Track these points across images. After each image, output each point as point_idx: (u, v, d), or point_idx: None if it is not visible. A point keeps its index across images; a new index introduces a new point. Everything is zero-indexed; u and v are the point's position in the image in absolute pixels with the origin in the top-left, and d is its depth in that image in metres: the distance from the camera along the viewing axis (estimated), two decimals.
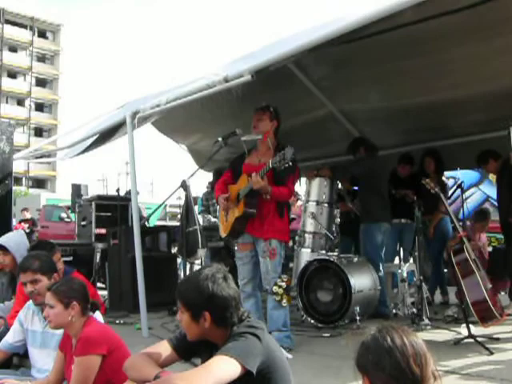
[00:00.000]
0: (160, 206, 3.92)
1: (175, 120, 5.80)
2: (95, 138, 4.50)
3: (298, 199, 9.29)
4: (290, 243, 5.71)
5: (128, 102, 5.22)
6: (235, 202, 3.78)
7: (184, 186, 3.36)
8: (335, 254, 4.92)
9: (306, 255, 4.95)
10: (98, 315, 2.30)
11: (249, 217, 3.69)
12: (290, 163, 3.32)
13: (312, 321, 4.46)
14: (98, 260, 6.20)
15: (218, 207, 6.99)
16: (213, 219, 7.01)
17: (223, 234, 3.92)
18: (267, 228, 3.74)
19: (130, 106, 4.64)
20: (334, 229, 5.05)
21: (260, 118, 3.83)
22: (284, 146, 3.79)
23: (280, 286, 3.66)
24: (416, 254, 4.56)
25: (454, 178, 7.33)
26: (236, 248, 3.98)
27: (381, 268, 4.87)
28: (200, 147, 6.75)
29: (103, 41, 45.18)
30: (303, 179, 5.41)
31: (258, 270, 3.79)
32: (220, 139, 3.72)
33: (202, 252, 3.73)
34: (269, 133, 3.81)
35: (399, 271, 4.98)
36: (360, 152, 5.19)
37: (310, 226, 5.04)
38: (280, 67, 3.38)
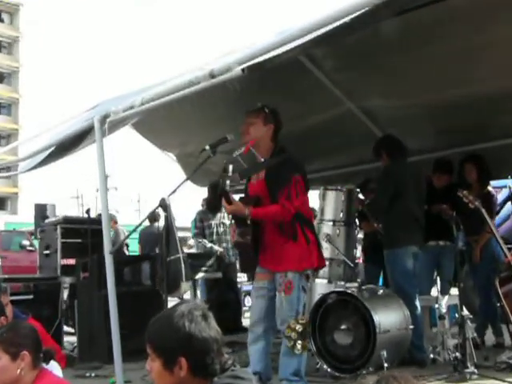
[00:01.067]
0: (135, 229, 4.02)
1: (158, 124, 5.96)
2: (53, 148, 4.64)
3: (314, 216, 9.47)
4: None
5: (100, 102, 5.39)
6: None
7: (163, 205, 3.47)
8: (356, 284, 4.98)
9: (320, 287, 5.07)
10: (53, 366, 2.34)
11: (243, 247, 3.82)
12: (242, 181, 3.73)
13: (328, 368, 4.51)
14: (65, 298, 6.31)
15: (215, 229, 7.18)
16: (209, 244, 7.14)
17: None
18: (280, 258, 3.88)
19: (100, 108, 4.80)
20: (354, 254, 5.18)
21: (251, 121, 4.00)
22: (283, 149, 3.96)
23: (293, 329, 3.73)
24: (459, 283, 4.64)
25: (504, 187, 7.40)
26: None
27: (414, 302, 4.92)
28: (190, 156, 6.88)
29: (76, 25, 45.74)
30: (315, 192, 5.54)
31: (274, 307, 3.89)
32: (207, 147, 3.84)
33: (186, 286, 3.84)
34: (260, 139, 3.97)
35: (437, 306, 5.02)
36: (382, 158, 5.29)
37: (324, 251, 5.05)
38: (288, 59, 3.50)
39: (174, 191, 3.64)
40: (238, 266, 7.63)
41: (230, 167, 3.66)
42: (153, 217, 8.27)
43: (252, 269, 4.14)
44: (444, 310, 4.94)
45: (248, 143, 3.96)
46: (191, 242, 7.42)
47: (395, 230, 5.09)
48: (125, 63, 45.08)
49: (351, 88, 5.35)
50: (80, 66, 44.72)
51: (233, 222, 4.02)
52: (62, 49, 45.16)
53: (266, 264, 3.96)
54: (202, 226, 7.26)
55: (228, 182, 3.71)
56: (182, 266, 3.83)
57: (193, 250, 8.74)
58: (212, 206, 7.42)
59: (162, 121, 5.80)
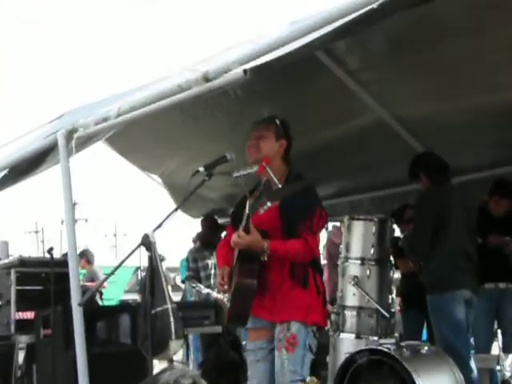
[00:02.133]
0: (112, 272, 3.98)
1: (139, 139, 6.03)
2: (6, 171, 4.66)
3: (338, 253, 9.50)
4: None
5: (66, 112, 5.42)
6: (234, 271, 3.98)
7: (146, 243, 3.45)
8: (393, 340, 4.90)
9: (347, 344, 5.04)
10: None
11: (249, 291, 3.84)
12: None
13: None
14: (20, 362, 6.26)
15: (212, 271, 7.19)
16: (205, 290, 7.13)
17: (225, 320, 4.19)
18: (282, 305, 3.91)
19: (65, 119, 4.83)
20: (389, 301, 5.14)
21: (261, 134, 4.04)
22: (299, 176, 4.01)
23: None
24: None
25: None
26: (245, 336, 4.22)
27: (468, 362, 4.89)
28: (180, 179, 6.92)
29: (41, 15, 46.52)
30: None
31: None
32: (201, 169, 3.84)
33: (176, 345, 3.80)
34: (272, 158, 4.00)
35: (499, 367, 4.93)
36: (420, 181, 5.32)
37: (351, 297, 5.14)
38: (302, 57, 3.51)
39: (161, 225, 3.63)
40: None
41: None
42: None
43: (241, 320, 4.12)
44: (509, 374, 4.85)
45: (261, 161, 3.95)
46: (178, 280, 7.43)
47: (441, 269, 5.08)
48: (125, 66, 46.11)
49: (383, 91, 5.34)
50: (50, 67, 45.50)
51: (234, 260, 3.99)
52: (27, 44, 45.92)
53: (263, 312, 3.97)
54: (196, 268, 7.32)
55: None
56: (171, 319, 3.78)
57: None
58: (207, 241, 7.44)
59: (144, 135, 5.87)
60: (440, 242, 5.09)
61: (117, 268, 3.96)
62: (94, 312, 6.38)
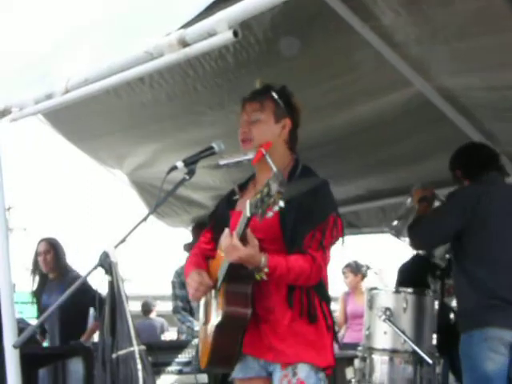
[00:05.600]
0: (59, 302, 3.93)
1: (94, 122, 6.05)
2: None
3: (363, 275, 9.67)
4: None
5: None
6: (215, 296, 3.97)
7: (106, 263, 3.42)
8: None
9: None
10: None
11: (240, 324, 3.80)
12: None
13: None
14: None
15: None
16: (198, 326, 7.07)
17: (202, 364, 4.07)
18: (285, 342, 3.85)
19: None
20: (433, 342, 5.22)
21: (254, 118, 4.00)
22: (307, 169, 4.00)
23: None
24: None
25: None
26: None
27: None
28: (151, 175, 7.04)
29: None
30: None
31: None
32: (179, 164, 3.83)
33: None
34: (273, 144, 3.96)
35: None
36: (458, 180, 5.46)
37: (382, 337, 5.19)
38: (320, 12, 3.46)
39: (124, 240, 3.61)
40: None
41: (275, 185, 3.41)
42: (147, 307, 8.17)
43: (226, 364, 4.06)
44: None
45: (259, 148, 3.90)
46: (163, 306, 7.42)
47: (469, 297, 5.10)
48: None
49: (424, 57, 5.27)
50: None
51: (220, 277, 3.91)
52: None
53: (259, 350, 3.92)
54: (186, 295, 7.04)
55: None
56: (139, 366, 3.75)
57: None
58: None
59: (101, 118, 5.92)
60: (470, 256, 5.12)
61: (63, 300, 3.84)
62: (34, 356, 6.42)
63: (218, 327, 3.79)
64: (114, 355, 3.68)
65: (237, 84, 5.21)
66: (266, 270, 3.67)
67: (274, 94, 4.03)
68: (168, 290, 7.99)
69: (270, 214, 3.39)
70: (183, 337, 7.76)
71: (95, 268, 3.54)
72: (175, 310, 7.61)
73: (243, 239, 3.65)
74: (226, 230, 3.76)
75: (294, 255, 3.80)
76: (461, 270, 5.20)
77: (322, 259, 3.87)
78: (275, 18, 4.51)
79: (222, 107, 5.61)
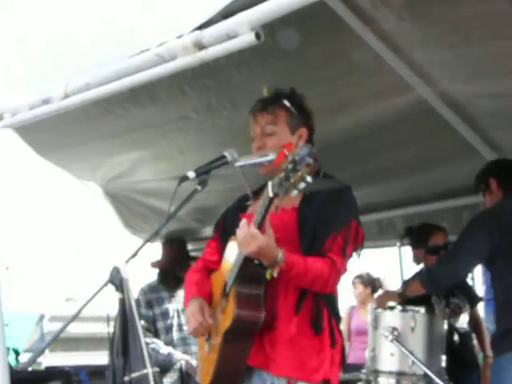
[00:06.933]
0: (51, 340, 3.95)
1: (68, 131, 5.99)
2: None
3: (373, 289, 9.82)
4: None
5: None
6: (221, 305, 3.97)
7: (116, 279, 3.48)
8: None
9: None
10: None
11: (252, 330, 3.79)
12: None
13: None
14: None
15: (175, 320, 7.31)
16: (164, 349, 7.17)
17: None
18: (286, 353, 3.85)
19: None
20: (443, 363, 5.31)
21: (268, 130, 4.11)
22: (328, 176, 4.08)
23: None
24: None
25: None
26: None
27: None
28: (128, 186, 7.09)
29: None
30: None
31: None
32: (192, 174, 3.90)
33: None
34: (290, 147, 3.81)
35: None
36: (488, 189, 5.57)
37: (388, 359, 5.28)
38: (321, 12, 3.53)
39: (136, 254, 3.69)
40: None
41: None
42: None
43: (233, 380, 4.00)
44: None
45: (281, 149, 3.64)
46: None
47: (499, 320, 5.30)
48: None
49: (425, 59, 5.31)
50: None
51: (230, 280, 3.89)
52: None
53: (256, 357, 3.90)
54: (151, 316, 7.27)
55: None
56: None
57: None
58: (169, 276, 7.40)
59: (75, 125, 5.83)
60: (500, 279, 5.29)
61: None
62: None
63: (227, 333, 3.76)
64: (126, 378, 3.64)
65: (227, 85, 5.28)
66: (282, 264, 3.63)
67: (286, 103, 4.09)
68: None
69: (294, 193, 3.32)
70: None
71: (106, 285, 3.57)
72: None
73: (261, 229, 3.60)
74: (244, 220, 3.67)
75: (313, 257, 3.79)
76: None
77: (342, 263, 3.88)
78: None
79: (210, 111, 5.64)
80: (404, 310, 5.32)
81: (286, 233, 3.85)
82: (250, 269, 3.73)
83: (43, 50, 4.43)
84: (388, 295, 5.94)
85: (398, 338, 5.19)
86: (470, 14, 4.55)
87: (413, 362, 5.15)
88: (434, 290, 5.86)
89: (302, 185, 3.27)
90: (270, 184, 3.43)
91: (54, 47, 4.38)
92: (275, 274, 3.63)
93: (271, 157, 3.82)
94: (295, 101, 4.14)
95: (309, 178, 3.25)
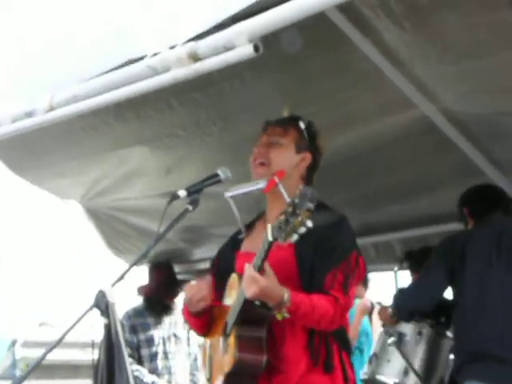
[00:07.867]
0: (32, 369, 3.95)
1: (47, 148, 6.15)
2: None
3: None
4: None
5: None
6: (223, 344, 4.03)
7: (101, 303, 3.49)
8: None
9: None
10: None
11: (254, 372, 3.82)
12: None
13: None
14: None
15: (161, 347, 7.36)
16: (148, 377, 7.26)
17: None
18: None
19: None
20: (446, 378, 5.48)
21: (275, 141, 4.18)
22: (323, 205, 4.06)
23: None
24: None
25: None
26: None
27: None
28: (111, 204, 7.20)
29: None
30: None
31: None
32: (183, 193, 3.98)
33: None
34: (288, 175, 4.08)
35: None
36: (465, 221, 5.83)
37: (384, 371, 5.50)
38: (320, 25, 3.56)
39: (122, 277, 3.72)
40: None
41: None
42: None
43: None
44: None
45: (272, 177, 4.00)
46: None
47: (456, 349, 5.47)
48: None
49: (427, 75, 5.38)
50: None
51: (231, 321, 3.96)
52: None
53: None
54: (135, 342, 7.34)
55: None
56: None
57: None
58: (155, 301, 7.40)
59: (54, 142, 5.99)
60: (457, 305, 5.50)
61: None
62: None
63: (229, 376, 3.83)
64: None
65: (217, 100, 5.35)
66: (288, 305, 3.69)
67: (302, 124, 4.23)
68: None
69: (294, 238, 3.39)
70: None
71: (90, 309, 3.56)
72: None
73: (261, 270, 3.69)
74: (247, 266, 3.73)
75: (316, 294, 3.84)
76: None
77: (346, 303, 3.95)
78: None
79: (198, 128, 5.71)
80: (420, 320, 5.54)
81: (284, 271, 3.91)
82: (251, 310, 3.79)
83: (29, 59, 4.40)
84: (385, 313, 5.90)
85: (403, 352, 5.37)
86: (477, 24, 4.63)
87: (405, 373, 5.29)
88: (399, 316, 5.92)
89: (303, 229, 3.36)
90: (269, 227, 3.51)
91: (39, 57, 4.36)
92: (286, 315, 3.71)
93: (261, 185, 4.01)
94: (310, 130, 4.27)
95: (309, 223, 3.33)
